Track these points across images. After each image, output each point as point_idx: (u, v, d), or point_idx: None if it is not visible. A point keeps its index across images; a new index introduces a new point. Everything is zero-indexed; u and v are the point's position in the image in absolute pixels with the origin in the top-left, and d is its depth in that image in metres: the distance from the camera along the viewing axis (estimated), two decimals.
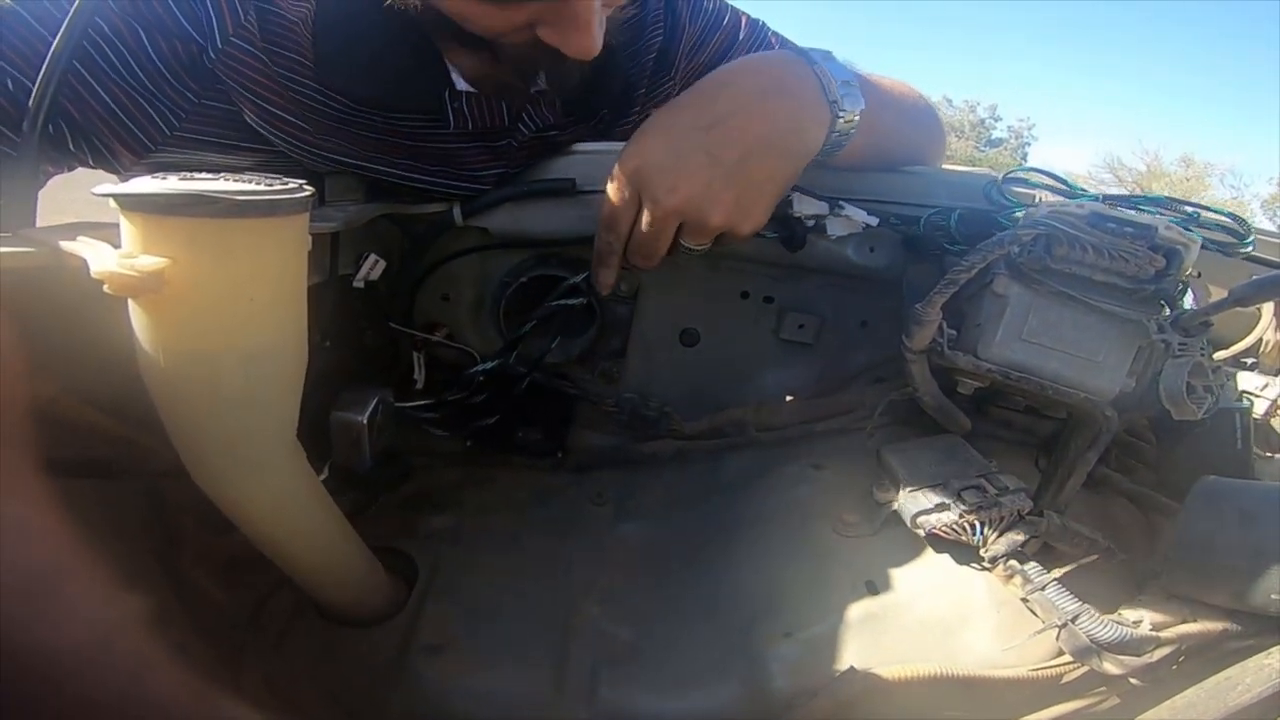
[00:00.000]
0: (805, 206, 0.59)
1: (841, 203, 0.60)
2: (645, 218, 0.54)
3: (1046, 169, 0.67)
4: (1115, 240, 0.50)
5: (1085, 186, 0.62)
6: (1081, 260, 0.50)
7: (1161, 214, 0.56)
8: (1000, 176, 0.66)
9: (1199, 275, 0.68)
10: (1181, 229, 0.51)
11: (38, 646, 0.31)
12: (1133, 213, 0.51)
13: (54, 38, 0.50)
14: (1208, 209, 0.57)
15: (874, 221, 0.62)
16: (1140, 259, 0.50)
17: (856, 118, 0.56)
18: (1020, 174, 0.67)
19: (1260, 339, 0.72)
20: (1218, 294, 0.72)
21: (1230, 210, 0.60)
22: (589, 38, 0.50)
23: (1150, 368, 0.52)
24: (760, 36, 0.80)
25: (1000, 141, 25.62)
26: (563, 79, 0.61)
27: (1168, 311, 0.51)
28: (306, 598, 0.51)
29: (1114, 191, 0.61)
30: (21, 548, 0.32)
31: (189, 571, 0.49)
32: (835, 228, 0.60)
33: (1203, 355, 0.51)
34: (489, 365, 0.63)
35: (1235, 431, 0.56)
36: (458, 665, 0.51)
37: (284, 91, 0.58)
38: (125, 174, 0.60)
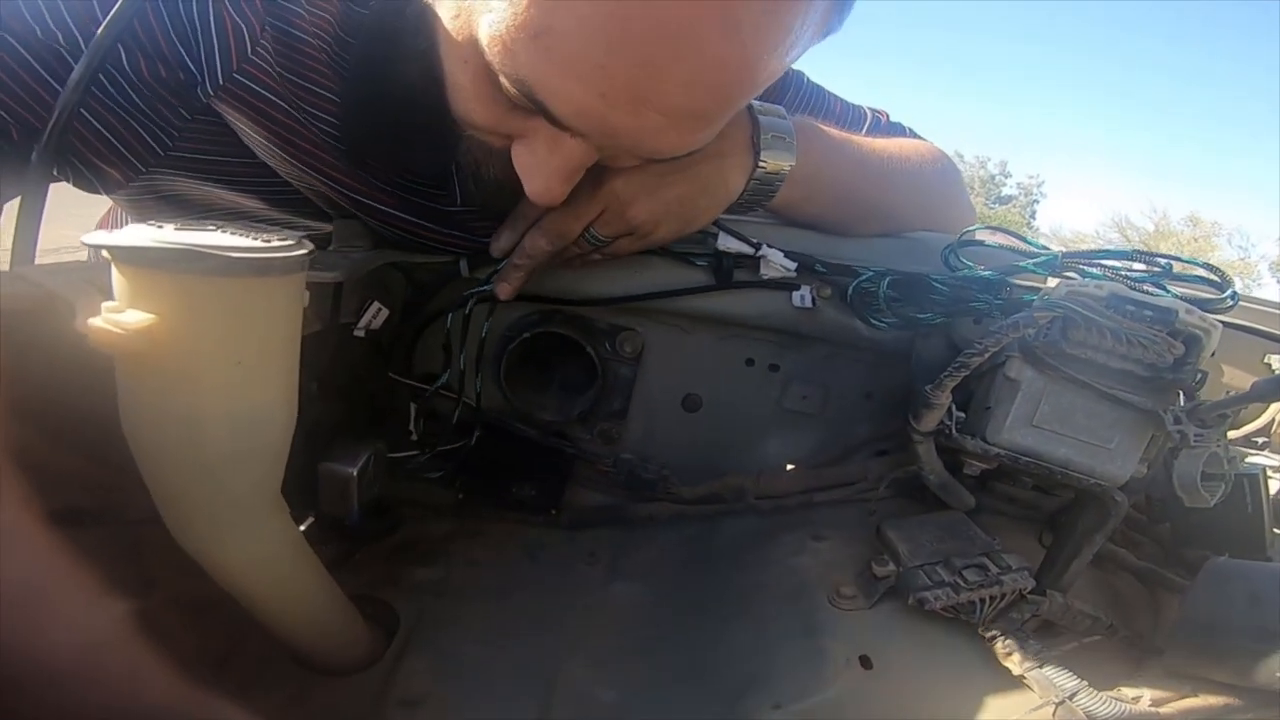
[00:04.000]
0: (729, 244, 0.64)
1: (764, 246, 0.64)
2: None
3: (1004, 228, 0.66)
4: (1134, 325, 0.48)
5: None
6: (1098, 345, 0.49)
7: (1131, 268, 0.56)
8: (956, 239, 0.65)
9: (1212, 355, 0.67)
10: (1156, 285, 0.50)
11: (31, 655, 0.31)
12: (1151, 294, 0.50)
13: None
14: (1180, 259, 0.55)
15: (792, 266, 0.64)
16: (1159, 345, 0.48)
17: (785, 168, 0.60)
18: (978, 234, 0.66)
19: (1273, 420, 0.71)
20: (1230, 372, 0.71)
21: (1206, 261, 0.56)
22: (552, 180, 0.49)
23: (1163, 454, 0.50)
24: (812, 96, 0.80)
25: (1010, 198, 25.57)
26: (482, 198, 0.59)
27: (1184, 400, 0.50)
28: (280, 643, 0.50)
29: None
30: (9, 556, 0.31)
31: (159, 614, 0.47)
32: (766, 270, 0.64)
33: (1218, 445, 0.49)
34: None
35: (1247, 496, 0.55)
36: None
37: (298, 127, 0.55)
38: (117, 190, 0.57)
